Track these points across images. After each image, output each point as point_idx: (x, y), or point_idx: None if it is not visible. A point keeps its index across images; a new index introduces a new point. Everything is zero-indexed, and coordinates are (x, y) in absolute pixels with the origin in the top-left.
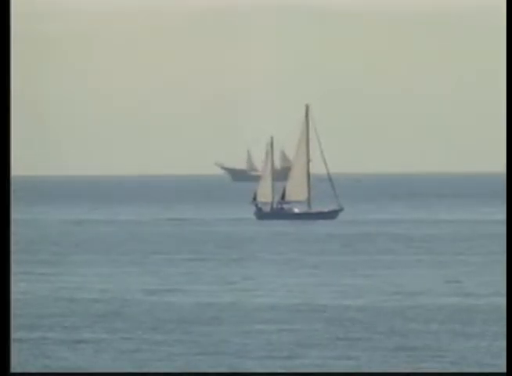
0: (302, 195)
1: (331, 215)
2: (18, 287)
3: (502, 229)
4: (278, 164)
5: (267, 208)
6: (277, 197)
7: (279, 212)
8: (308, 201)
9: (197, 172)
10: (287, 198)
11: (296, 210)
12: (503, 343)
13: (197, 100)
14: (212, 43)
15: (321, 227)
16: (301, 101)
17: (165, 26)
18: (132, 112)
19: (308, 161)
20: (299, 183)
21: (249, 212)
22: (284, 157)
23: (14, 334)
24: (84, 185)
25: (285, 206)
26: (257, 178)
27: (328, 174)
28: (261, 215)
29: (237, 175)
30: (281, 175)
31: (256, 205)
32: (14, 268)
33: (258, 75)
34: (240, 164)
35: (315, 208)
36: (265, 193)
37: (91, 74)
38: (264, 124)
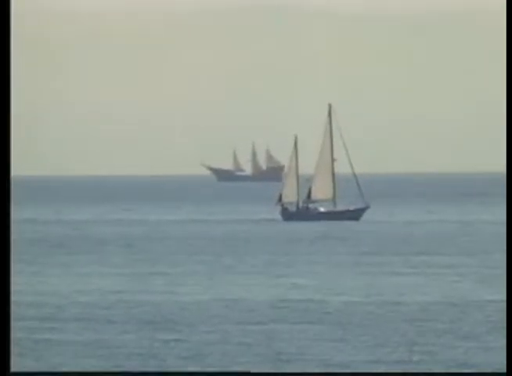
0: (327, 194)
1: (357, 213)
2: None
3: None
4: (263, 164)
5: (293, 208)
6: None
7: (304, 212)
8: (334, 200)
9: (182, 173)
10: (313, 197)
11: (322, 209)
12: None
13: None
14: (209, 43)
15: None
16: (299, 101)
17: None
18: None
19: (333, 160)
20: (324, 182)
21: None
22: (270, 157)
23: None
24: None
25: (310, 205)
26: (242, 179)
27: (353, 172)
28: (287, 215)
29: (223, 175)
30: (267, 175)
31: (282, 205)
32: None
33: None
34: (226, 165)
35: (341, 207)
36: (291, 193)
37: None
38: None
